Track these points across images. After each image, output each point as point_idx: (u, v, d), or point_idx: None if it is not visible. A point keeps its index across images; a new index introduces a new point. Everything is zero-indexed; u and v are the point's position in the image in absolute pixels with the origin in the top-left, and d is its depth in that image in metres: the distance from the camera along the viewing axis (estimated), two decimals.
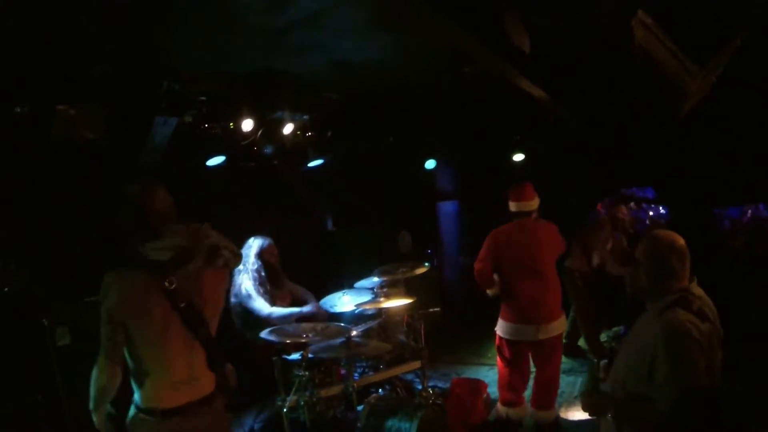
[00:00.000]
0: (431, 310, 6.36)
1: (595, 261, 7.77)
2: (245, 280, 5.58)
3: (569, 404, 6.02)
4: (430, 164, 8.98)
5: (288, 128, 6.19)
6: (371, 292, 6.11)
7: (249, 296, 5.55)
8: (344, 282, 6.53)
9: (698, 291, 2.90)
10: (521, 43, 4.87)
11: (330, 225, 8.40)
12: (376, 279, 6.15)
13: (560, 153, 9.01)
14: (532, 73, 5.33)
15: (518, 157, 8.96)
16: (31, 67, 4.24)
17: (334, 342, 4.88)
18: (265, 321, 5.42)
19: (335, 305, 6.08)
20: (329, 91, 6.48)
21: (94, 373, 2.83)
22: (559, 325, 5.38)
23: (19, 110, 4.31)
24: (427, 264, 6.39)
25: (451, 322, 9.41)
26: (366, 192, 8.57)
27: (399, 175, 8.99)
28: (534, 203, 5.48)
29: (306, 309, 5.79)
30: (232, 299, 5.59)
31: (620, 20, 4.50)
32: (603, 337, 8.17)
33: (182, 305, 2.87)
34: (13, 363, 4.41)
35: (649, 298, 2.97)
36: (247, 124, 5.66)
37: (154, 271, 2.85)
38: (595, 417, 3.11)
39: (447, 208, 10.47)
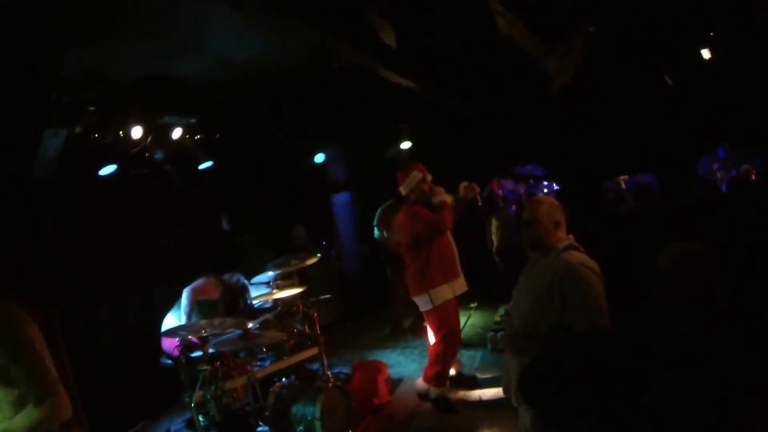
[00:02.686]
0: (322, 297, 6.68)
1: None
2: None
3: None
4: (319, 158, 9.36)
5: (177, 132, 6.43)
6: (267, 285, 6.43)
7: None
8: None
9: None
10: (388, 39, 5.31)
11: (225, 225, 8.62)
12: (270, 273, 6.47)
13: (446, 138, 9.54)
14: (396, 65, 5.82)
15: (405, 144, 9.44)
16: None
17: (233, 335, 5.20)
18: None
19: None
20: (215, 92, 6.60)
21: None
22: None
23: None
24: (319, 254, 6.70)
25: (354, 309, 9.88)
26: (258, 190, 8.85)
27: (290, 170, 9.31)
28: (402, 189, 6.02)
29: None
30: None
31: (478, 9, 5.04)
32: (500, 310, 8.76)
33: None
34: None
35: (542, 251, 3.50)
36: (137, 131, 5.86)
37: None
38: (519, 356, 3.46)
39: (341, 199, 10.86)
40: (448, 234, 6.04)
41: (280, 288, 6.24)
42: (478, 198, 6.13)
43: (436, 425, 5.77)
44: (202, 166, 7.29)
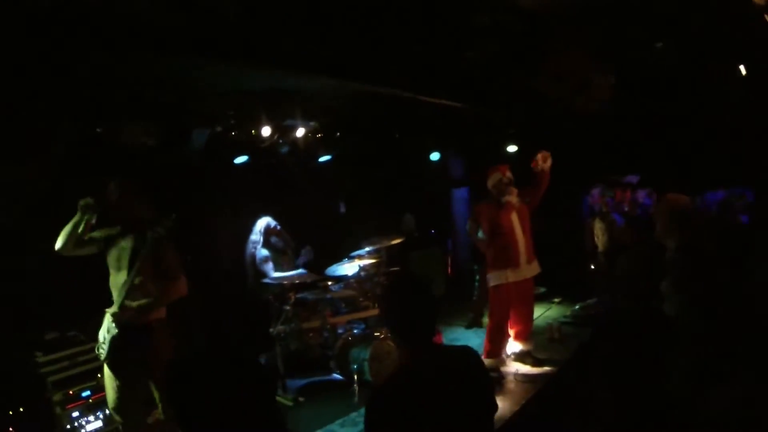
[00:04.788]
0: (393, 269, 8.73)
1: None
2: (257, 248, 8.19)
3: None
4: (434, 156, 11.34)
5: (300, 132, 8.42)
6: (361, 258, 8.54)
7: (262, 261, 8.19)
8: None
9: None
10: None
11: (342, 209, 10.87)
12: (367, 248, 8.53)
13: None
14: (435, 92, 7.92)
15: (512, 148, 11.27)
16: (106, 96, 6.65)
17: (317, 288, 7.47)
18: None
19: (337, 271, 8.53)
20: (334, 100, 8.44)
21: None
22: None
23: (99, 129, 6.79)
24: (401, 238, 8.75)
25: (456, 294, 11.85)
26: (374, 182, 11.03)
27: (405, 166, 11.46)
28: (488, 184, 7.77)
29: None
30: (247, 261, 8.19)
31: None
32: (577, 306, 10.50)
33: None
34: None
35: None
36: (266, 130, 7.81)
37: None
38: None
39: (459, 194, 12.85)
40: (514, 226, 7.57)
41: (362, 259, 8.27)
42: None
43: None
44: (321, 159, 9.47)
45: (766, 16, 6.39)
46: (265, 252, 8.16)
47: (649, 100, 10.35)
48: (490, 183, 7.75)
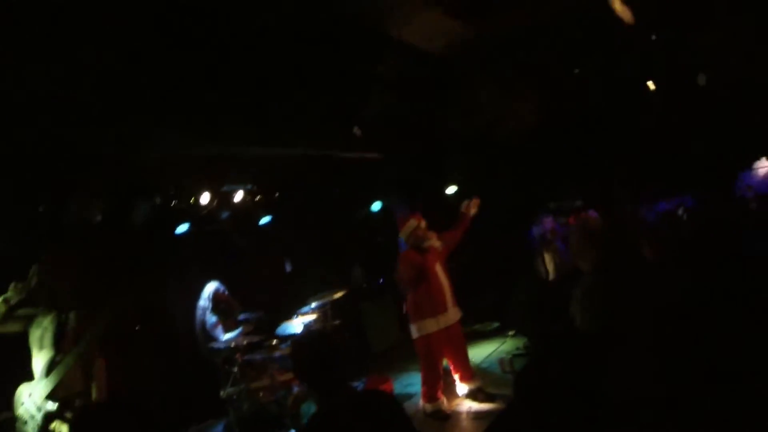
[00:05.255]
0: (335, 322, 9.04)
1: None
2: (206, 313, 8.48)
3: None
4: (375, 206, 11.76)
5: (238, 196, 8.78)
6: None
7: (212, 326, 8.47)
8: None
9: None
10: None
11: (288, 268, 11.20)
12: (313, 304, 8.90)
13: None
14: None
15: (451, 189, 11.66)
16: (46, 175, 6.94)
17: (263, 348, 7.77)
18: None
19: (287, 329, 8.82)
20: (271, 162, 8.84)
21: None
22: None
23: (41, 209, 7.06)
24: (344, 291, 9.10)
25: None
26: (317, 237, 11.35)
27: (347, 218, 11.85)
28: (401, 235, 8.11)
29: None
30: (198, 327, 8.48)
31: None
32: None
33: None
34: None
35: None
36: (205, 198, 8.16)
37: None
38: None
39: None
40: (437, 273, 7.73)
41: (304, 315, 8.62)
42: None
43: None
44: (261, 222, 9.79)
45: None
46: (214, 318, 8.43)
47: (579, 122, 10.78)
48: (403, 234, 7.97)
